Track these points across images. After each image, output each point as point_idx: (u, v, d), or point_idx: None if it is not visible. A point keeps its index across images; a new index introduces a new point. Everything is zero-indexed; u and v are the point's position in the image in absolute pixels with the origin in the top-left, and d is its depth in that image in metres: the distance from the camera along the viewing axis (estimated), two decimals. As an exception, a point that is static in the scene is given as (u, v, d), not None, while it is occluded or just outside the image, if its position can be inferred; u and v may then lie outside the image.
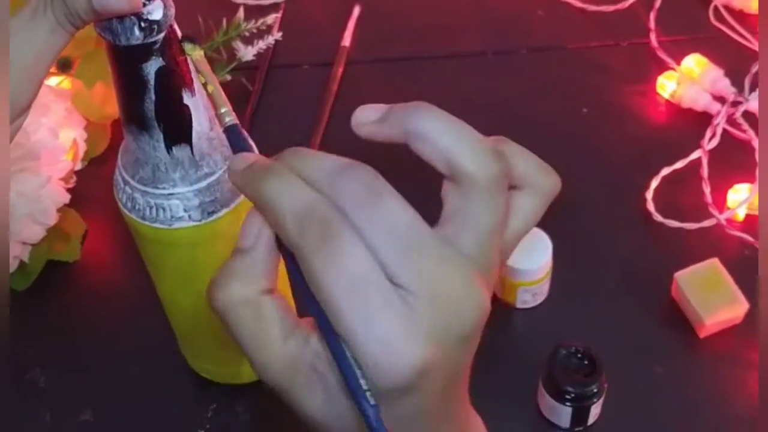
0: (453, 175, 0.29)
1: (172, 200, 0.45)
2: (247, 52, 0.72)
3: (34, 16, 0.36)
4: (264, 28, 0.73)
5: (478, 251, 0.30)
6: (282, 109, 0.74)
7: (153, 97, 0.41)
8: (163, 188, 0.44)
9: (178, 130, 0.43)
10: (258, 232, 0.30)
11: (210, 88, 0.38)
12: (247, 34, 0.73)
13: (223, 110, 0.36)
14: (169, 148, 0.43)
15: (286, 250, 0.30)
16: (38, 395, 0.59)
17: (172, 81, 0.41)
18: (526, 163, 0.32)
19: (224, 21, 0.73)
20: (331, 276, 0.27)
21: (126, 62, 0.40)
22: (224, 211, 0.45)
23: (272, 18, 0.74)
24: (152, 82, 0.41)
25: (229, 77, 0.72)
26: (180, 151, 0.43)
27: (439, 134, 0.29)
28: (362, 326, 0.27)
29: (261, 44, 0.72)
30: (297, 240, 0.28)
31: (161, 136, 0.42)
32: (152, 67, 0.40)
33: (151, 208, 0.45)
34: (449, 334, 0.28)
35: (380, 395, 0.28)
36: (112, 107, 0.68)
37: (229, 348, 0.54)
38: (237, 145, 0.34)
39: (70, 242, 0.64)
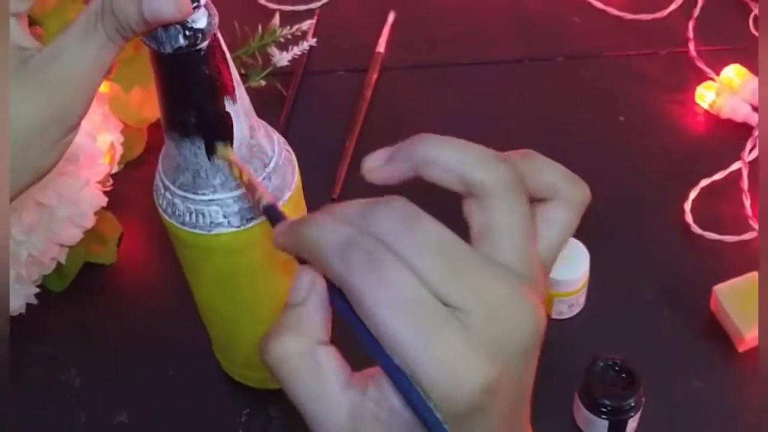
0: (469, 190, 0.29)
1: (211, 206, 0.45)
2: (282, 58, 0.73)
3: (84, 33, 0.36)
4: (299, 34, 0.73)
5: (517, 260, 0.29)
6: (316, 115, 0.74)
7: (196, 104, 0.41)
8: (203, 194, 0.44)
9: (219, 138, 0.43)
10: (309, 285, 0.30)
11: (245, 177, 0.40)
12: (282, 39, 0.73)
13: (258, 195, 0.38)
14: (209, 154, 0.43)
15: (335, 293, 0.30)
16: (74, 396, 0.59)
17: (215, 89, 0.41)
18: (554, 174, 0.32)
19: (260, 27, 0.73)
20: (382, 303, 0.27)
21: (169, 70, 0.40)
22: (262, 218, 0.45)
23: (307, 24, 0.74)
24: (195, 89, 0.41)
25: (263, 83, 0.72)
26: (209, 160, 0.43)
27: (446, 155, 0.30)
28: (421, 350, 0.26)
29: (296, 50, 0.72)
30: (343, 273, 0.28)
31: (202, 143, 0.42)
32: (195, 74, 0.40)
33: (190, 213, 0.45)
34: (509, 350, 0.28)
35: (450, 421, 0.27)
36: (149, 111, 0.69)
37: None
38: (276, 220, 0.35)
39: (107, 245, 0.65)
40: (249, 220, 0.45)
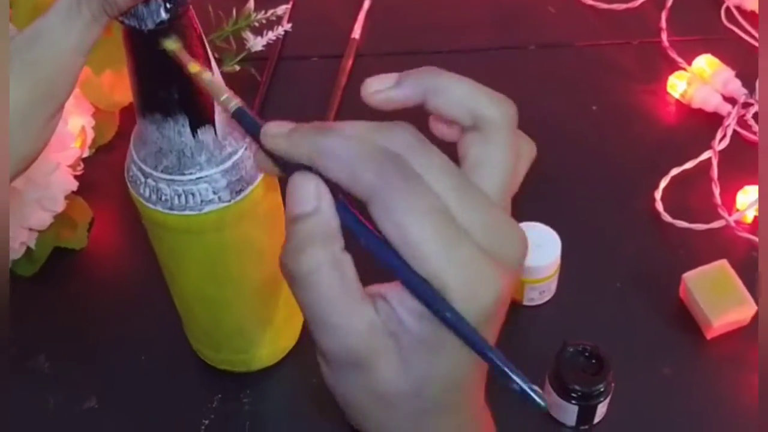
0: (475, 123, 0.31)
1: (200, 184, 0.45)
2: (257, 43, 0.72)
3: (68, 13, 0.36)
4: (274, 18, 0.73)
5: (500, 194, 0.31)
6: (291, 101, 0.74)
7: (178, 79, 0.41)
8: (191, 173, 0.44)
9: (202, 112, 0.43)
10: (317, 193, 0.30)
11: (206, 76, 0.35)
12: (256, 24, 0.72)
13: (223, 97, 0.33)
14: (194, 131, 0.43)
15: (341, 205, 0.30)
16: (42, 381, 0.59)
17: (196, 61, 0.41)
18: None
19: (234, 11, 0.72)
20: (413, 209, 0.28)
21: (150, 47, 0.39)
22: (250, 188, 0.46)
23: (282, 9, 0.74)
24: (176, 65, 0.40)
25: (237, 68, 0.72)
26: (204, 134, 0.43)
27: (457, 86, 0.31)
28: (448, 255, 0.28)
29: (271, 35, 0.72)
30: (375, 182, 0.28)
31: (186, 120, 0.42)
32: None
33: (179, 196, 0.45)
34: (508, 263, 0.29)
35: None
36: (120, 95, 0.68)
37: (247, 334, 0.55)
38: (252, 124, 0.32)
39: (77, 230, 0.64)
40: (238, 192, 0.45)
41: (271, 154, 0.31)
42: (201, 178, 0.44)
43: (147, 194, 0.45)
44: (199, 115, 0.43)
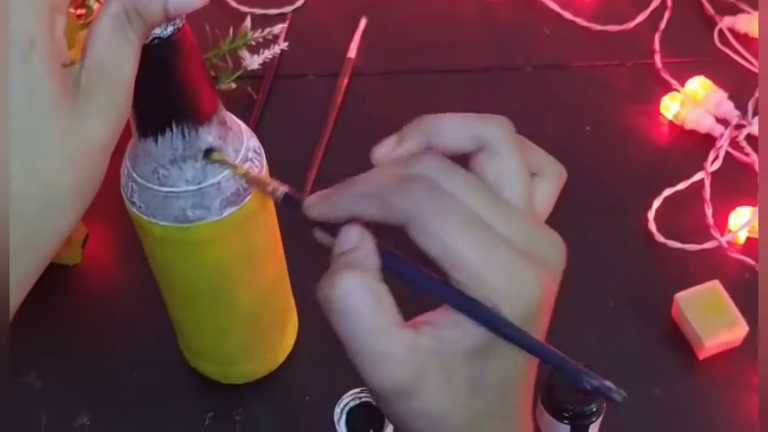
0: (480, 144, 0.33)
1: (195, 197, 0.45)
2: (253, 61, 0.73)
3: (116, 39, 0.33)
4: (270, 37, 0.73)
5: (526, 203, 0.33)
6: (286, 119, 0.74)
7: (172, 95, 0.41)
8: (185, 186, 0.44)
9: (196, 127, 0.43)
10: (359, 236, 0.32)
11: (249, 174, 0.42)
12: (253, 43, 0.73)
13: (270, 188, 0.38)
14: (188, 145, 0.43)
15: (385, 254, 0.32)
16: (34, 398, 0.59)
17: (193, 73, 0.41)
18: (540, 153, 0.36)
19: (231, 30, 0.73)
20: (448, 222, 0.29)
21: (153, 59, 0.39)
22: (243, 202, 0.46)
23: (279, 28, 0.75)
24: (177, 76, 0.41)
25: (234, 85, 0.72)
26: (198, 147, 0.44)
27: (452, 121, 0.33)
28: (489, 259, 0.29)
29: (267, 53, 0.72)
30: (408, 204, 0.30)
31: (181, 134, 0.43)
32: (176, 59, 0.40)
33: (174, 208, 0.45)
34: (549, 265, 0.31)
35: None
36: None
37: (240, 346, 0.55)
38: (297, 201, 0.35)
39: (72, 246, 0.64)
40: (231, 205, 0.46)
41: (326, 227, 0.33)
42: (195, 190, 0.45)
43: (142, 207, 0.46)
44: (194, 130, 0.43)
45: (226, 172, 0.45)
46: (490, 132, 0.33)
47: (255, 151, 0.47)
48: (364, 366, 0.30)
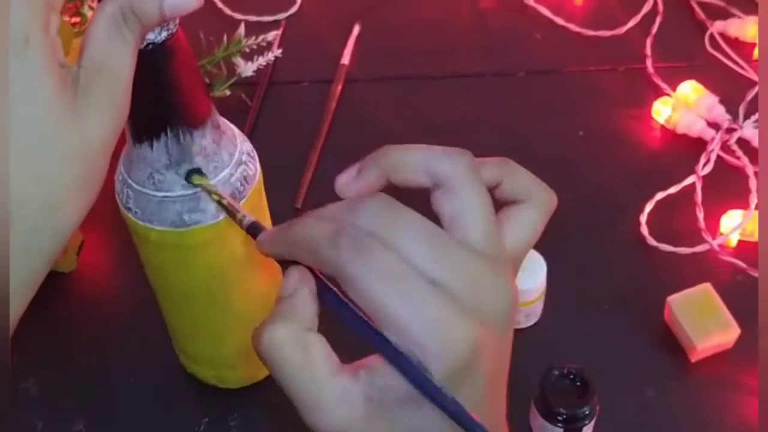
0: (435, 181, 0.32)
1: (189, 201, 0.45)
2: (247, 68, 0.73)
3: (113, 39, 0.33)
4: (264, 44, 0.74)
5: (486, 240, 0.32)
6: (281, 125, 0.74)
7: (167, 100, 0.42)
8: (180, 191, 0.45)
9: (191, 131, 0.43)
10: (298, 280, 0.32)
11: (225, 201, 0.42)
12: (247, 50, 0.73)
13: (239, 216, 0.39)
14: (182, 150, 0.44)
15: (323, 288, 0.32)
16: (31, 404, 0.59)
17: (187, 77, 0.42)
18: (527, 179, 0.35)
19: (225, 37, 0.73)
20: (373, 279, 0.29)
21: (148, 64, 0.39)
22: (242, 201, 0.46)
23: (273, 35, 0.75)
24: (172, 81, 0.41)
25: (228, 92, 0.73)
26: (193, 152, 0.44)
27: (410, 156, 0.33)
28: (414, 314, 0.29)
29: (261, 60, 0.73)
30: (335, 259, 0.30)
31: (176, 139, 0.43)
32: (171, 64, 0.40)
33: (169, 213, 0.45)
34: (489, 315, 0.30)
35: (443, 383, 0.29)
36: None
37: (235, 349, 0.55)
38: (259, 233, 0.37)
39: (67, 253, 0.65)
40: (241, 193, 0.46)
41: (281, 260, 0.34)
42: (191, 195, 0.45)
43: (138, 212, 0.46)
44: (189, 134, 0.43)
45: (221, 176, 0.45)
46: (446, 168, 0.32)
47: (248, 154, 0.48)
48: (302, 413, 0.31)
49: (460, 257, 0.30)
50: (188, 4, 0.35)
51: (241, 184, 0.46)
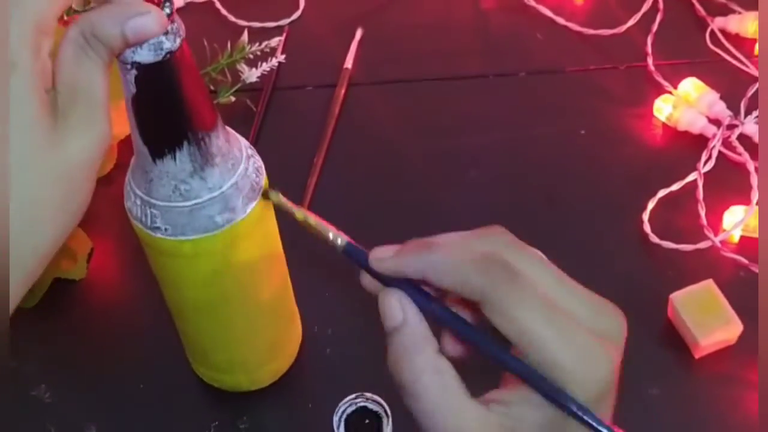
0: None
1: (198, 210, 0.45)
2: (251, 74, 0.74)
3: (79, 62, 0.34)
4: (268, 50, 0.74)
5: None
6: (285, 130, 0.75)
7: (175, 112, 0.42)
8: (188, 201, 0.45)
9: (198, 143, 0.44)
10: (401, 306, 0.33)
11: (311, 221, 0.40)
12: (251, 56, 0.74)
13: (331, 236, 0.39)
14: (191, 160, 0.44)
15: (457, 318, 0.33)
16: (43, 411, 0.60)
17: (194, 88, 0.42)
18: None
19: (229, 44, 0.74)
20: (526, 305, 0.30)
21: (170, 72, 0.40)
22: (245, 213, 0.47)
23: (276, 41, 0.76)
24: (190, 84, 0.41)
25: (233, 99, 0.74)
26: (200, 162, 0.44)
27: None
28: (563, 339, 0.30)
29: (265, 66, 0.74)
30: (486, 284, 0.31)
31: (183, 150, 0.43)
32: (186, 67, 0.41)
33: (177, 222, 0.46)
34: (614, 341, 0.33)
35: (588, 405, 0.31)
36: (119, 128, 0.69)
37: (245, 355, 0.56)
38: (361, 254, 0.36)
39: (77, 260, 0.66)
40: (233, 218, 0.46)
41: (377, 275, 0.34)
42: (218, 195, 0.45)
43: (168, 229, 0.46)
44: (207, 136, 0.44)
45: (239, 171, 0.46)
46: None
47: (249, 147, 0.48)
48: None
49: (581, 289, 0.33)
50: (150, 29, 0.36)
51: (257, 176, 0.47)
